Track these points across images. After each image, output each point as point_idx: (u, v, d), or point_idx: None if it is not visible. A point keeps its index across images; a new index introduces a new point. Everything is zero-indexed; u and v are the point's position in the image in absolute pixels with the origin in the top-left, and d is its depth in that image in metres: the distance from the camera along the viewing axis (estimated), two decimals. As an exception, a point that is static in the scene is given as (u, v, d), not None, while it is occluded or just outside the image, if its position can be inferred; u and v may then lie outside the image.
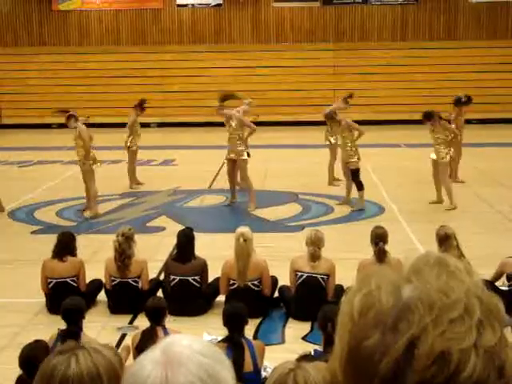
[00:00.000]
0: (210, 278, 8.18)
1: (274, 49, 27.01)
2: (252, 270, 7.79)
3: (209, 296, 8.09)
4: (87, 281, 8.27)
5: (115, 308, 8.00)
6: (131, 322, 7.67)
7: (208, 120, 23.33)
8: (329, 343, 5.43)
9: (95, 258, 9.36)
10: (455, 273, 0.98)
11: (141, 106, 14.91)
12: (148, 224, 11.94)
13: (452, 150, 12.80)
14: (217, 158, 16.00)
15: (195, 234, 8.38)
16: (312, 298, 7.44)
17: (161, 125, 25.27)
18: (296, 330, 7.47)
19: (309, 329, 7.36)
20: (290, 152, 18.80)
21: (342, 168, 13.12)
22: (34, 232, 11.53)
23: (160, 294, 7.93)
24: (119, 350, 6.37)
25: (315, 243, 7.76)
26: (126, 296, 7.91)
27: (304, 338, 7.20)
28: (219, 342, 5.81)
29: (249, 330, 6.59)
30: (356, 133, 12.71)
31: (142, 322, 6.80)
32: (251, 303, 7.14)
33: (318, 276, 7.77)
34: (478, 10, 27.01)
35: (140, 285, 8.10)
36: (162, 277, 8.56)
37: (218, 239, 10.34)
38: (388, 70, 26.41)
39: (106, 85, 26.64)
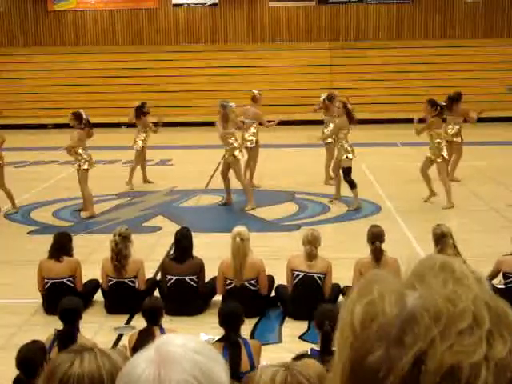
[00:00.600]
0: (207, 278, 8.18)
1: (269, 48, 27.00)
2: (248, 270, 7.80)
3: (205, 296, 8.09)
4: (84, 281, 8.26)
5: (112, 308, 7.99)
6: (128, 322, 7.67)
7: (204, 120, 23.33)
8: (326, 342, 5.43)
9: (92, 258, 9.35)
10: (462, 279, 0.93)
11: (141, 111, 14.89)
12: (144, 224, 11.94)
13: (445, 150, 12.75)
14: (213, 158, 16.00)
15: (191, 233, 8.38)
16: (309, 297, 7.44)
17: (157, 125, 25.25)
18: (293, 329, 7.47)
19: (306, 328, 7.37)
20: (285, 151, 18.81)
21: (334, 164, 13.15)
22: (30, 232, 11.51)
23: (157, 293, 7.93)
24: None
25: (312, 242, 7.77)
26: (123, 296, 7.90)
27: (301, 337, 7.21)
28: (216, 341, 5.81)
29: (246, 329, 6.60)
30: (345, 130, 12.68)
31: (139, 322, 6.80)
32: (248, 303, 7.15)
33: (315, 275, 7.77)
34: (473, 9, 27.04)
35: (137, 285, 8.09)
36: (158, 277, 8.55)
37: (214, 239, 10.34)
38: (384, 68, 26.42)
39: (102, 85, 26.60)
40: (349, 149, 12.55)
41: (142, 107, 14.91)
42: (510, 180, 14.66)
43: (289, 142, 20.48)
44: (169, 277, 8.03)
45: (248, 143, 13.90)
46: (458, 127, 14.47)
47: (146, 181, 15.16)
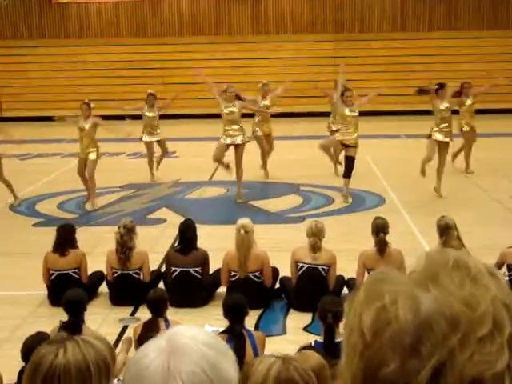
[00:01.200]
0: (211, 270, 8.19)
1: (273, 40, 26.95)
2: (253, 262, 7.81)
3: (210, 287, 8.11)
4: (89, 273, 8.29)
5: (117, 300, 8.02)
6: (133, 314, 7.69)
7: (208, 112, 23.31)
8: (329, 334, 5.45)
9: (96, 250, 9.37)
10: (478, 277, 0.86)
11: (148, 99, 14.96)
12: (149, 216, 11.96)
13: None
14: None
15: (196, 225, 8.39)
16: (313, 289, 7.45)
17: (161, 117, 25.22)
18: (297, 320, 7.49)
19: (310, 320, 7.38)
20: (289, 143, 18.79)
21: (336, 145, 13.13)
22: (35, 225, 11.54)
23: (161, 285, 7.95)
24: (121, 342, 6.40)
25: (316, 234, 7.77)
26: (128, 288, 7.93)
27: (305, 329, 7.23)
28: (220, 333, 5.83)
29: (250, 321, 6.61)
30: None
31: (144, 314, 6.82)
32: (252, 294, 7.17)
33: (319, 267, 7.78)
34: (478, 0, 26.94)
35: (141, 277, 8.12)
36: (163, 268, 8.57)
37: (218, 231, 10.36)
38: (388, 60, 26.36)
39: (106, 77, 26.60)
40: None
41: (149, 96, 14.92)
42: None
43: (292, 134, 20.47)
44: (173, 268, 8.05)
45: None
46: None
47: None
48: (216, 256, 8.11)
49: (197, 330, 1.33)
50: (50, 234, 8.54)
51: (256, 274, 7.85)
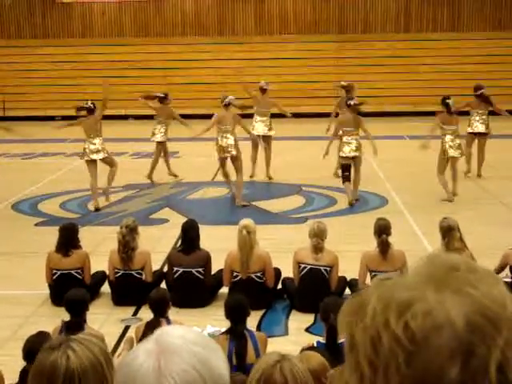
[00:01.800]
0: (213, 270, 8.19)
1: (277, 40, 26.95)
2: (255, 262, 7.80)
3: (212, 288, 8.11)
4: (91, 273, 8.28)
5: (119, 300, 8.02)
6: (135, 314, 7.69)
7: (211, 112, 23.31)
8: (331, 335, 5.44)
9: (98, 250, 9.37)
10: (489, 279, 0.89)
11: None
12: (151, 216, 11.96)
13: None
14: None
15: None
16: (315, 290, 7.45)
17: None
18: (299, 321, 7.48)
19: (312, 320, 7.37)
20: (292, 144, 18.78)
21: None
22: (37, 224, 11.55)
23: (163, 285, 7.95)
24: (123, 342, 6.40)
25: (318, 235, 7.77)
26: (130, 288, 7.92)
27: (307, 330, 7.22)
28: (222, 333, 5.82)
29: (252, 321, 6.61)
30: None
31: (146, 314, 6.82)
32: (254, 295, 7.17)
33: (321, 268, 7.78)
34: (481, 1, 26.91)
35: (143, 277, 8.11)
36: (165, 269, 8.57)
37: (220, 231, 10.35)
38: (391, 61, 26.35)
39: (109, 77, 26.58)
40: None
41: (165, 98, 14.86)
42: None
43: (295, 135, 20.45)
44: (175, 269, 8.04)
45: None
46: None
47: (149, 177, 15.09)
48: (218, 256, 8.10)
49: (184, 329, 1.34)
50: (52, 234, 8.55)
51: (258, 274, 7.84)
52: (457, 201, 12.47)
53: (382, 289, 0.90)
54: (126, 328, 7.27)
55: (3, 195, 13.23)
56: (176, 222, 10.18)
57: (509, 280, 7.49)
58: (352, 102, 12.48)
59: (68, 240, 8.12)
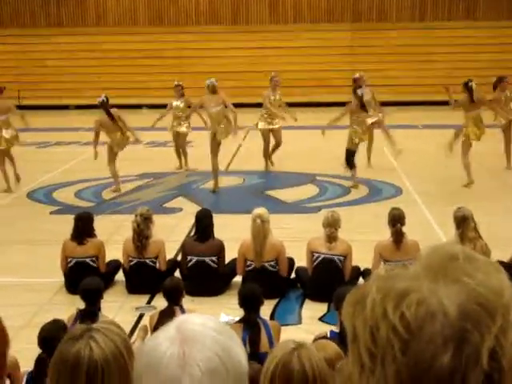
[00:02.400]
0: (227, 259, 8.21)
1: (291, 29, 26.87)
2: (268, 251, 7.82)
3: (226, 276, 8.13)
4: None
5: (133, 288, 8.05)
6: (149, 302, 7.72)
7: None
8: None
9: (113, 239, 9.41)
10: (489, 268, 0.89)
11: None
12: (165, 205, 11.99)
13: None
14: (234, 140, 15.98)
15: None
16: (329, 279, 7.45)
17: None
18: (313, 310, 7.49)
19: (325, 310, 7.38)
20: (306, 133, 18.74)
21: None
22: (52, 212, 11.61)
23: (177, 274, 7.98)
24: (137, 330, 6.44)
25: (332, 224, 7.76)
26: (144, 276, 7.96)
27: (320, 319, 7.23)
28: (236, 322, 5.84)
29: (265, 310, 6.62)
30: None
31: (160, 302, 6.85)
32: (268, 284, 7.18)
33: (335, 257, 7.78)
34: (498, -10, 26.69)
35: (158, 265, 8.14)
36: (179, 257, 8.59)
37: (234, 220, 10.36)
38: (406, 50, 26.20)
39: (123, 66, 26.65)
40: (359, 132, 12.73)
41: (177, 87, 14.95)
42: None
43: (309, 124, 20.40)
44: (189, 257, 8.07)
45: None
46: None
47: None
48: (232, 245, 8.12)
49: (204, 317, 1.34)
50: (67, 222, 8.59)
51: (272, 263, 7.85)
52: (472, 191, 12.41)
53: (381, 280, 0.93)
54: (141, 316, 7.31)
55: (18, 184, 13.30)
56: (190, 211, 10.21)
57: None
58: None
59: (83, 229, 8.16)
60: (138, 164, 15.02)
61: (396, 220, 7.68)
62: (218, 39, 26.71)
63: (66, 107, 25.98)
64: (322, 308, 7.45)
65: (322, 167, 14.59)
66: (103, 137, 12.84)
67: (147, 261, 8.10)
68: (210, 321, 1.33)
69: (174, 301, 6.15)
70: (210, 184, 13.52)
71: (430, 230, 9.96)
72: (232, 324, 5.79)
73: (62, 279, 8.21)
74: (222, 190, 13.31)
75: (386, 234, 7.81)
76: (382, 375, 0.87)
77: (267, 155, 14.66)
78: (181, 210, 11.61)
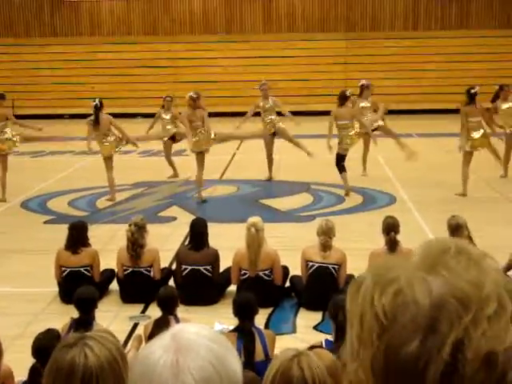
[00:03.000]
0: (222, 268, 8.20)
1: (285, 38, 26.95)
2: (263, 260, 7.81)
3: (220, 285, 8.12)
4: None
5: (127, 297, 8.04)
6: (143, 312, 7.71)
7: (218, 110, 23.35)
8: (340, 333, 5.44)
9: (107, 248, 9.40)
10: (479, 261, 0.92)
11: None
12: (159, 214, 11.98)
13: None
14: (228, 149, 16.00)
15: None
16: (323, 288, 7.46)
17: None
18: (307, 319, 7.49)
19: (320, 318, 7.38)
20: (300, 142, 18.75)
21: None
22: (46, 222, 11.59)
23: (171, 283, 7.97)
24: (131, 339, 6.42)
25: (326, 233, 7.77)
26: (138, 285, 7.95)
27: (315, 328, 7.23)
28: (230, 331, 5.84)
29: (260, 319, 6.62)
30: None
31: (154, 312, 6.84)
32: (262, 293, 7.17)
33: (329, 266, 7.78)
34: (490, -1, 26.83)
35: (152, 274, 8.13)
36: (173, 266, 8.58)
37: (229, 229, 10.36)
38: (400, 59, 26.31)
39: (118, 75, 26.67)
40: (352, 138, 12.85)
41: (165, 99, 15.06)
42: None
43: (303, 133, 20.42)
44: (184, 266, 8.06)
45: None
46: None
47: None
48: (226, 254, 8.12)
49: (199, 326, 1.35)
50: (61, 232, 8.57)
51: (266, 272, 7.85)
52: (466, 199, 12.45)
53: (377, 269, 0.96)
54: (135, 326, 7.29)
55: (12, 193, 13.27)
56: (184, 221, 10.21)
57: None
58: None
59: (77, 238, 8.15)
60: (132, 173, 15.02)
61: (390, 228, 7.69)
62: (211, 49, 26.78)
63: (60, 116, 25.96)
64: (316, 317, 7.45)
65: (316, 176, 14.61)
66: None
67: (142, 269, 8.09)
68: (205, 330, 1.34)
69: (169, 310, 6.14)
70: (204, 193, 13.54)
71: (424, 238, 9.93)
72: (226, 333, 5.78)
73: (57, 289, 8.19)
74: (217, 198, 13.32)
75: (380, 243, 7.82)
76: (363, 358, 0.92)
77: (271, 163, 14.64)
78: (175, 218, 11.61)
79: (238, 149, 17.92)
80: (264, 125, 14.43)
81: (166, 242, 9.81)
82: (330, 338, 5.63)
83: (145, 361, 1.27)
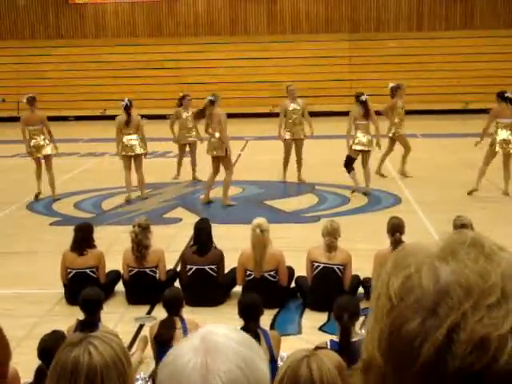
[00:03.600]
0: (227, 269, 8.21)
1: (289, 40, 26.95)
2: (268, 261, 7.82)
3: (225, 286, 8.13)
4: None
5: (133, 298, 8.05)
6: (149, 313, 7.72)
7: (224, 111, 23.35)
8: (345, 334, 5.44)
9: (112, 249, 9.41)
10: (490, 254, 0.98)
11: (180, 101, 15.18)
12: (164, 215, 12.00)
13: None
14: (232, 150, 15.99)
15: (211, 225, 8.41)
16: (328, 289, 7.45)
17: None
18: (313, 320, 7.49)
19: (325, 319, 7.38)
20: (305, 143, 18.74)
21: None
22: (52, 224, 11.61)
23: (177, 284, 7.97)
24: (137, 340, 6.44)
25: (331, 234, 7.77)
26: (144, 286, 7.96)
27: (321, 329, 7.23)
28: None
29: (265, 320, 6.62)
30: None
31: (160, 313, 6.85)
32: (268, 294, 7.17)
33: (335, 266, 7.78)
34: (495, -1, 26.79)
35: (157, 275, 8.14)
36: (179, 268, 8.59)
37: (234, 230, 10.37)
38: (404, 60, 26.28)
39: (122, 77, 26.71)
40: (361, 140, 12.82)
41: (183, 99, 15.15)
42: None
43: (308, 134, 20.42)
44: (189, 267, 8.07)
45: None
46: None
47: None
48: (232, 255, 8.12)
49: (228, 328, 1.36)
50: (67, 233, 8.60)
51: (272, 273, 7.85)
52: (471, 200, 12.43)
53: (400, 252, 1.04)
54: (141, 327, 7.31)
55: (18, 195, 13.31)
56: (189, 222, 10.21)
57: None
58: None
59: (83, 239, 8.16)
60: (135, 175, 14.99)
61: (395, 229, 7.69)
62: (216, 50, 26.80)
63: (65, 118, 26.01)
64: (322, 318, 7.45)
65: (321, 177, 14.61)
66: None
67: (147, 270, 8.10)
68: (234, 332, 1.34)
69: (174, 311, 6.15)
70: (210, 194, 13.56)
71: (430, 238, 9.95)
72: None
73: (62, 290, 8.20)
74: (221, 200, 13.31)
75: (385, 243, 7.81)
76: (373, 331, 1.00)
77: (286, 165, 14.62)
78: (180, 220, 11.62)
79: (242, 150, 17.92)
80: (289, 126, 14.45)
81: (171, 244, 9.82)
82: (335, 338, 5.63)
83: (174, 362, 1.27)
